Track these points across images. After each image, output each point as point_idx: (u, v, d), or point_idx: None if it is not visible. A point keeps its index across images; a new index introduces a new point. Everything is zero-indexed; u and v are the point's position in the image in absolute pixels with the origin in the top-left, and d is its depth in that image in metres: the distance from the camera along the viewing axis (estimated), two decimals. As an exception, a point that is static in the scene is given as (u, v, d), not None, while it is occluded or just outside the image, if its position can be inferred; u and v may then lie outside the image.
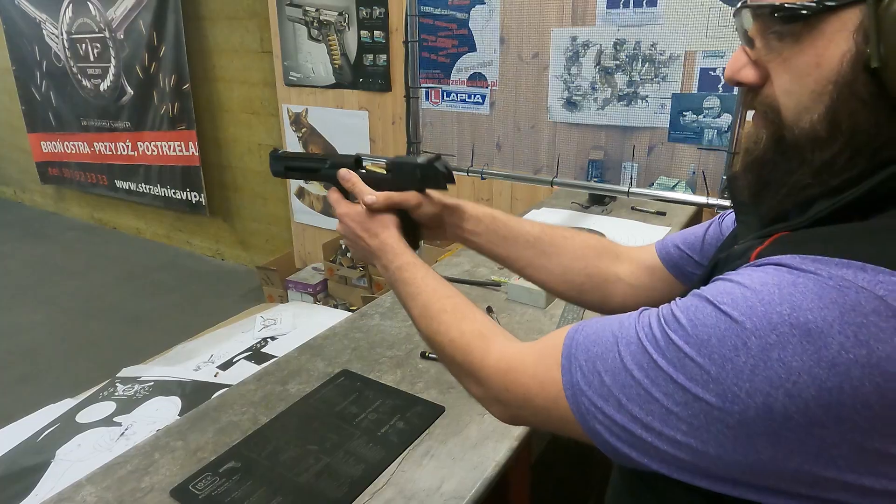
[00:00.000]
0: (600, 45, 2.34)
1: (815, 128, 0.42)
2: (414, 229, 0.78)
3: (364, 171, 0.79)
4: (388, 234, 0.73)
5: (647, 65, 2.27)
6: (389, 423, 1.02)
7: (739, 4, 0.47)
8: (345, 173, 0.77)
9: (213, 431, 1.01)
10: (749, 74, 0.47)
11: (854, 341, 0.34)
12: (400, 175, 0.77)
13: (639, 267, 0.78)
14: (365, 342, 1.28)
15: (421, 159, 0.76)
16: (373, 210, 0.74)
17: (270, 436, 0.99)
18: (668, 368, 0.40)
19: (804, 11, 0.41)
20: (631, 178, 2.40)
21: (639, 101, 2.32)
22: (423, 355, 1.22)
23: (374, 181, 0.77)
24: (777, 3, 0.42)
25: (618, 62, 2.33)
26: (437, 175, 0.76)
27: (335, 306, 3.19)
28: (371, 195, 0.74)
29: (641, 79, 2.29)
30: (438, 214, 0.79)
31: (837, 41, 0.40)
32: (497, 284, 1.55)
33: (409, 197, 0.76)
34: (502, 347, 0.56)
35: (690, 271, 0.73)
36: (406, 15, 1.49)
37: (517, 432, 1.00)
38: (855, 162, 0.41)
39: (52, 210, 5.49)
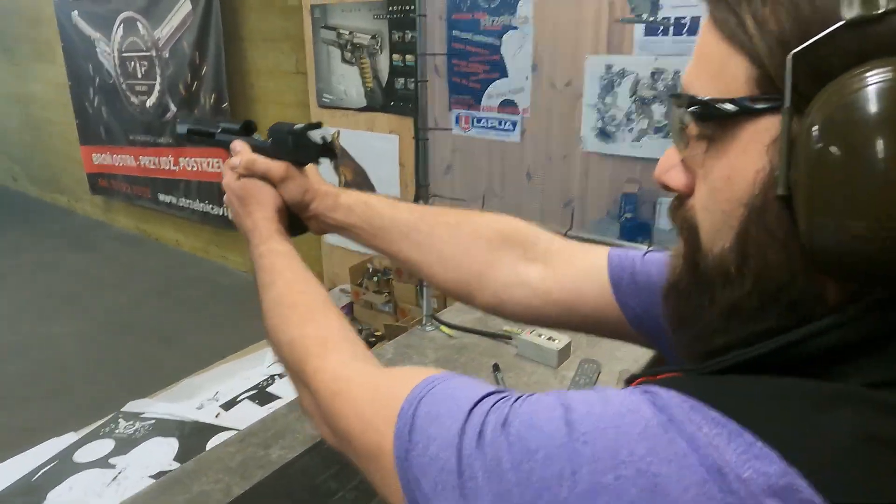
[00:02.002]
0: (637, 74, 2.22)
1: (726, 258, 0.34)
2: (295, 217, 0.72)
3: (253, 137, 0.74)
4: (262, 216, 0.67)
5: (686, 96, 2.13)
6: (370, 503, 0.94)
7: (672, 93, 0.39)
8: (236, 144, 0.72)
9: (182, 502, 0.95)
10: (676, 178, 0.38)
11: None
12: (276, 141, 0.70)
13: (559, 280, 0.61)
14: (358, 401, 1.21)
15: (298, 126, 0.69)
16: (238, 174, 0.69)
17: (239, 513, 0.92)
18: (481, 481, 0.31)
19: (716, 110, 0.33)
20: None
21: (677, 133, 2.19)
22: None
23: (257, 149, 0.71)
24: (692, 95, 0.34)
25: (655, 92, 2.20)
26: (309, 145, 0.68)
27: (360, 331, 3.15)
28: (235, 158, 0.69)
29: (680, 110, 2.16)
30: (303, 199, 0.70)
31: (751, 153, 0.32)
32: (508, 337, 1.45)
33: (274, 167, 0.68)
34: (341, 364, 0.48)
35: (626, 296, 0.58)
36: (416, 54, 1.42)
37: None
38: (765, 311, 0.32)
39: (101, 219, 5.68)
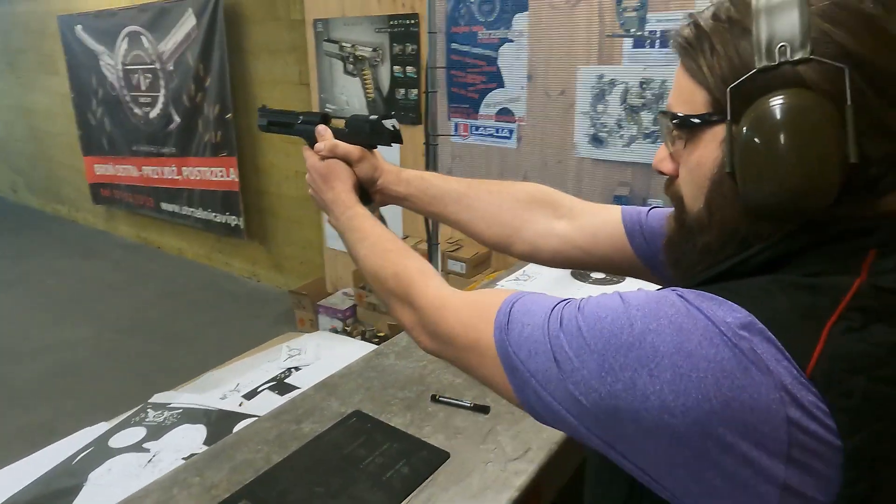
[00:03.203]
0: (626, 83, 2.36)
1: (701, 215, 0.52)
2: (364, 191, 0.86)
3: (329, 126, 0.87)
4: (342, 189, 0.82)
5: (673, 103, 2.27)
6: (394, 467, 1.05)
7: (661, 110, 0.57)
8: (322, 129, 0.85)
9: (227, 469, 1.06)
10: (667, 166, 0.57)
11: (709, 343, 0.42)
12: (353, 129, 0.85)
13: (580, 230, 0.81)
14: (378, 382, 1.33)
15: (373, 116, 0.84)
16: (321, 157, 0.83)
17: (281, 476, 1.03)
18: (565, 343, 0.48)
19: (688, 122, 0.52)
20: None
21: (665, 138, 2.33)
22: (433, 398, 1.26)
23: (335, 134, 0.86)
24: (673, 112, 0.53)
25: (644, 100, 2.34)
26: (384, 131, 0.83)
27: (363, 332, 3.26)
28: (320, 143, 0.84)
29: (667, 117, 2.30)
30: (373, 176, 0.86)
31: (711, 148, 0.50)
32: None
33: (353, 150, 0.84)
34: (439, 286, 0.64)
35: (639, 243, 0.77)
36: (427, 67, 1.55)
37: (518, 482, 1.02)
38: (726, 247, 0.51)
39: (102, 229, 5.77)
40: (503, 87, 2.69)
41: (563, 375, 0.47)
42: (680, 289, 0.48)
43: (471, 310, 0.58)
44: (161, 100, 4.40)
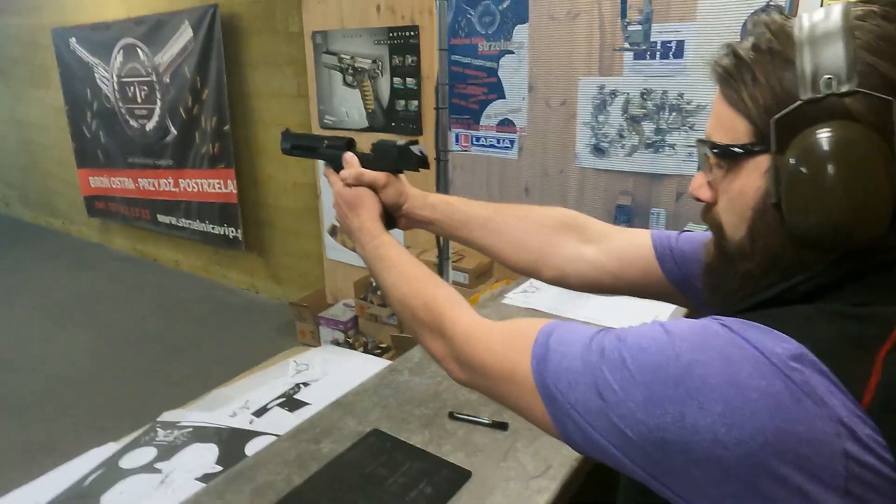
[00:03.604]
0: (627, 94, 2.38)
1: (742, 243, 0.53)
2: (389, 215, 0.86)
3: (354, 151, 0.88)
4: (368, 217, 0.82)
5: (674, 114, 2.30)
6: (417, 487, 1.05)
7: (699, 138, 0.57)
8: (349, 157, 0.86)
9: (249, 491, 1.06)
10: (704, 193, 0.58)
11: (759, 374, 0.42)
12: (380, 154, 0.85)
13: (609, 254, 0.80)
14: (394, 400, 1.32)
15: (401, 142, 0.85)
16: (346, 184, 0.84)
17: (304, 498, 1.03)
18: (608, 375, 0.48)
19: (730, 151, 0.52)
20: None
21: (666, 148, 2.35)
22: (450, 415, 1.26)
23: (360, 159, 0.86)
24: (715, 141, 0.54)
25: (645, 111, 2.36)
26: (411, 156, 0.84)
27: (365, 343, 3.25)
28: (346, 170, 0.84)
29: (669, 127, 2.32)
30: (399, 201, 0.87)
31: (754, 178, 0.51)
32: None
33: (379, 176, 0.84)
34: (471, 316, 0.65)
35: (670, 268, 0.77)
36: (437, 84, 1.56)
37: (542, 501, 1.02)
38: (769, 274, 0.51)
39: (97, 241, 5.73)
40: (504, 98, 2.70)
41: (606, 407, 0.47)
42: (721, 317, 0.48)
43: (505, 340, 0.58)
44: (157, 112, 4.38)
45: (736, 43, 0.52)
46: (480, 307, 1.84)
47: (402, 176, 0.87)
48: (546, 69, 2.57)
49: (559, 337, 0.54)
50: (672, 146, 2.33)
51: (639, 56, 2.30)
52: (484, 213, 0.86)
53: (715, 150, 0.53)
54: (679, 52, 2.21)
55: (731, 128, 0.52)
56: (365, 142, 0.91)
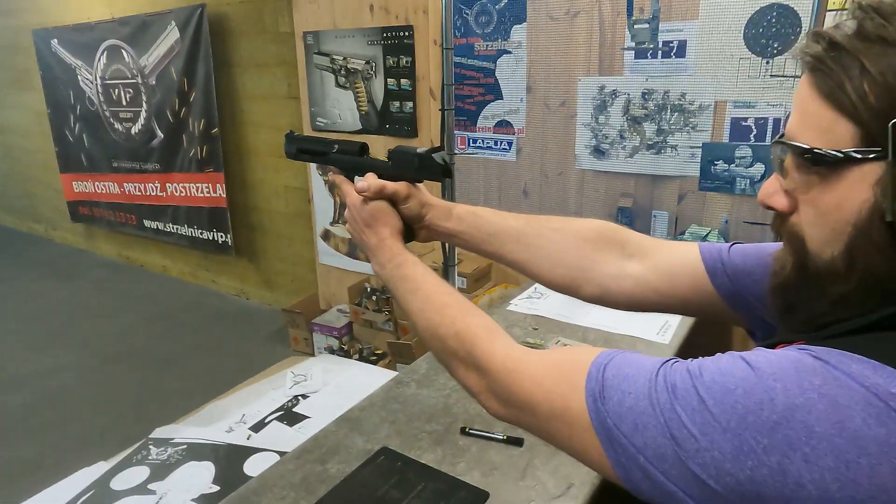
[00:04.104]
0: (628, 94, 2.34)
1: (835, 262, 0.46)
2: (407, 228, 0.79)
3: (371, 158, 0.81)
4: (388, 234, 0.76)
5: (676, 114, 2.26)
6: (433, 510, 0.99)
7: (777, 137, 0.49)
8: (370, 177, 0.78)
9: (254, 518, 0.99)
10: (780, 201, 0.50)
11: (876, 421, 0.36)
12: (398, 163, 0.78)
13: (655, 270, 0.73)
14: (403, 415, 1.26)
15: (421, 149, 0.78)
16: (365, 197, 0.77)
17: (313, 525, 0.97)
18: (684, 417, 0.42)
19: (829, 157, 0.44)
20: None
21: (668, 149, 2.31)
22: (462, 431, 1.20)
23: (376, 168, 0.79)
24: (807, 146, 0.46)
25: (646, 111, 2.33)
26: (434, 165, 0.76)
27: (361, 350, 3.18)
28: (363, 181, 0.77)
29: (671, 128, 2.28)
30: (420, 213, 0.80)
31: (858, 189, 0.43)
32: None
33: (400, 188, 0.77)
34: (508, 346, 0.58)
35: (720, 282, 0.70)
36: (443, 84, 1.50)
37: (565, 522, 0.97)
38: (867, 300, 0.44)
39: (82, 247, 5.60)
40: (501, 98, 2.65)
41: (683, 455, 0.41)
42: (811, 347, 0.42)
43: (553, 373, 0.52)
44: (143, 115, 4.28)
45: (829, 29, 0.46)
46: (485, 314, 1.78)
47: (421, 185, 0.81)
48: (545, 69, 2.53)
49: (616, 370, 0.48)
50: (674, 147, 2.29)
51: (640, 55, 2.26)
52: (516, 225, 0.78)
53: (807, 156, 0.46)
54: (681, 52, 2.18)
55: (829, 129, 0.44)
56: (377, 147, 0.85)
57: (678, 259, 0.72)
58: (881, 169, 0.42)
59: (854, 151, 0.43)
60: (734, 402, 0.40)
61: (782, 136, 0.49)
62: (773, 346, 0.49)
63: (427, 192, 0.82)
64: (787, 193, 0.50)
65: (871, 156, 0.42)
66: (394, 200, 0.78)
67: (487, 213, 0.80)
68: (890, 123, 0.40)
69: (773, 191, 0.51)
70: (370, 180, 0.77)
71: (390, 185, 0.77)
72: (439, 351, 0.64)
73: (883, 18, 0.42)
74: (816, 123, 0.45)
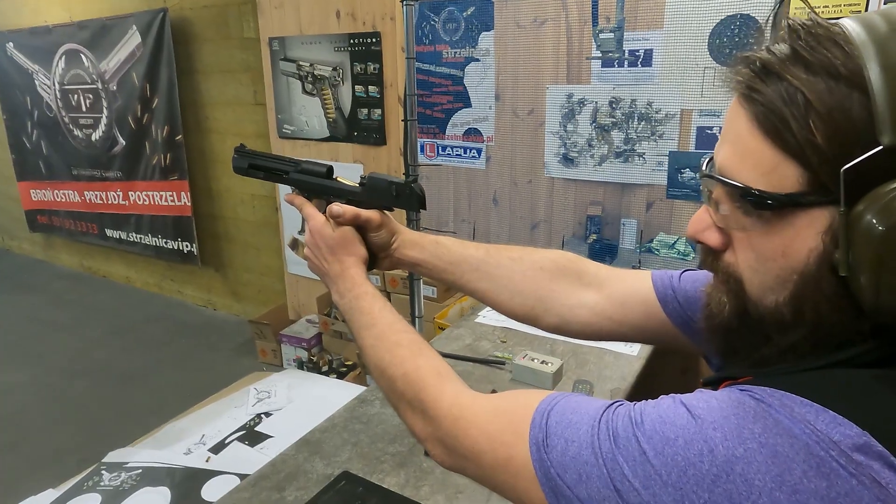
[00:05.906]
0: (596, 102, 2.34)
1: (781, 310, 0.43)
2: (371, 255, 0.76)
3: (338, 181, 0.77)
4: (352, 263, 0.73)
5: (643, 123, 2.27)
6: (394, 538, 0.95)
7: (706, 168, 0.46)
8: (344, 206, 0.74)
9: (204, 554, 0.94)
10: (713, 238, 0.47)
11: (816, 473, 0.34)
12: (372, 190, 0.75)
13: (609, 299, 0.73)
14: (365, 436, 1.22)
15: (395, 179, 0.75)
16: (337, 223, 0.73)
17: (267, 560, 0.92)
18: (626, 469, 0.40)
19: (773, 201, 0.40)
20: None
21: (636, 158, 2.32)
22: (426, 452, 1.16)
23: (343, 192, 0.76)
24: (749, 187, 0.41)
25: (614, 120, 2.33)
26: (412, 196, 0.74)
27: (330, 362, 3.12)
28: (339, 206, 0.73)
29: (638, 136, 2.29)
30: (389, 241, 0.78)
31: (805, 237, 0.40)
32: (501, 362, 1.50)
33: (374, 216, 0.75)
34: (457, 392, 0.56)
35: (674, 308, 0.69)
36: (405, 94, 1.47)
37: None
38: (819, 350, 0.42)
39: (41, 258, 5.41)
40: (470, 106, 2.63)
41: None
42: (753, 388, 0.40)
43: (497, 421, 0.50)
44: (104, 121, 4.15)
45: (761, 52, 0.41)
46: (454, 327, 1.75)
47: (390, 214, 0.78)
48: (513, 77, 2.52)
49: (560, 416, 0.46)
50: (641, 155, 2.30)
51: (607, 64, 2.26)
52: (476, 255, 0.77)
53: (749, 198, 0.41)
54: (647, 61, 2.19)
55: (772, 170, 0.40)
56: (325, 153, 0.80)
57: (631, 288, 0.71)
58: (830, 215, 0.39)
59: (800, 196, 0.39)
60: (674, 453, 0.38)
61: (711, 166, 0.45)
62: (719, 382, 0.47)
63: (395, 221, 0.79)
64: (719, 230, 0.46)
65: (819, 200, 0.39)
66: (364, 228, 0.75)
67: (449, 241, 0.79)
68: (842, 170, 0.37)
69: (704, 226, 0.47)
70: (344, 206, 0.74)
71: (364, 213, 0.74)
72: (388, 391, 0.61)
73: (831, 54, 0.38)
74: (757, 162, 0.41)
